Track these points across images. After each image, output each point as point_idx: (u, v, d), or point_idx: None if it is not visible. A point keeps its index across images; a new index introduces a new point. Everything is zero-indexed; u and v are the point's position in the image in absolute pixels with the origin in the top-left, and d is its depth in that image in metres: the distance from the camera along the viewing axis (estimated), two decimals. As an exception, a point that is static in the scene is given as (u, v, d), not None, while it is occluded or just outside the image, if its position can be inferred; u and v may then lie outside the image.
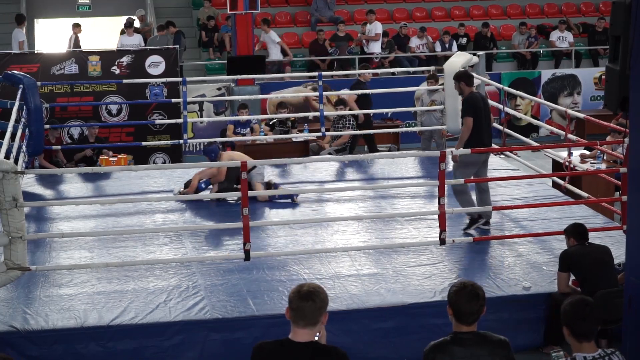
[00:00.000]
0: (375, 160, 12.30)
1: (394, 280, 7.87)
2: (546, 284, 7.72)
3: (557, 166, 11.35)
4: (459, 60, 12.82)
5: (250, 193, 8.62)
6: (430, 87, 13.41)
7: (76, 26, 18.06)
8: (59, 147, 13.01)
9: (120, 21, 18.98)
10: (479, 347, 4.33)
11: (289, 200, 10.39)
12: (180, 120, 13.44)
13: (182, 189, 10.69)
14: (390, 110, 15.00)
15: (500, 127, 12.30)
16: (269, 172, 11.69)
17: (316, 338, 4.15)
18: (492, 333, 4.44)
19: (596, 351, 4.42)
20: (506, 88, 13.40)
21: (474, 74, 12.96)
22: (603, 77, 16.03)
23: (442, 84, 13.01)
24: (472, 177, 9.22)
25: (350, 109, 13.50)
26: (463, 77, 9.33)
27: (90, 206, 10.06)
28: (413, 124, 14.52)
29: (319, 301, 4.10)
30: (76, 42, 17.80)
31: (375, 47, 18.48)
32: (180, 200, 10.37)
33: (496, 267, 8.20)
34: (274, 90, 16.59)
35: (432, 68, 14.38)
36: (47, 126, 12.51)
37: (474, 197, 9.38)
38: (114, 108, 14.60)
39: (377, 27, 18.59)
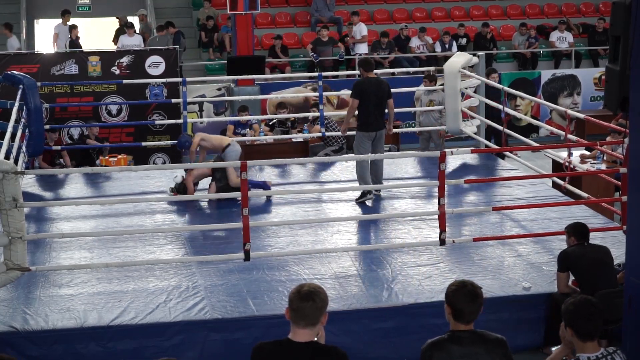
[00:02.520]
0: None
1: (394, 280, 7.87)
2: (546, 284, 7.71)
3: (557, 166, 11.35)
4: (459, 60, 12.83)
5: (251, 193, 8.63)
6: (428, 88, 13.41)
7: (73, 28, 18.06)
8: (59, 147, 13.00)
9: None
10: (476, 346, 4.33)
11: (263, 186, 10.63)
12: (180, 121, 13.44)
13: (174, 188, 10.70)
14: (390, 111, 14.97)
15: (500, 128, 12.29)
16: (269, 172, 11.71)
17: (315, 339, 4.15)
18: (489, 332, 4.45)
19: (599, 350, 4.42)
20: (506, 88, 13.37)
21: (474, 74, 13.03)
22: (603, 77, 16.03)
23: (442, 84, 13.01)
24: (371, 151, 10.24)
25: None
26: (363, 64, 10.41)
27: (90, 206, 10.06)
28: (413, 124, 14.52)
29: (319, 301, 4.10)
30: (75, 43, 17.78)
31: (362, 49, 18.43)
32: (179, 201, 10.36)
33: (496, 267, 8.20)
34: (274, 90, 16.60)
35: (431, 68, 14.38)
36: (45, 127, 12.50)
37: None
38: (114, 108, 14.61)
39: (362, 29, 18.52)
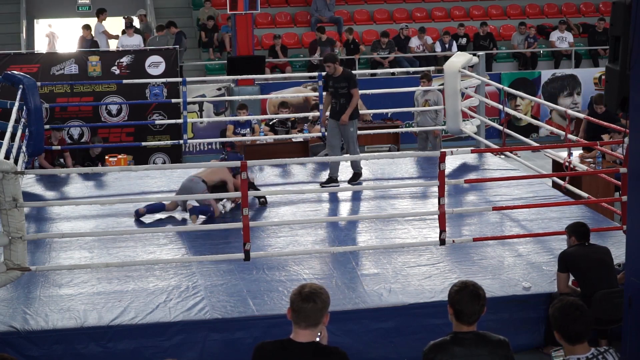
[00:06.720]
0: (375, 160, 12.29)
1: (394, 280, 7.86)
2: (546, 284, 7.71)
3: (557, 166, 11.35)
4: (459, 60, 12.83)
5: (250, 193, 8.63)
6: (425, 88, 13.42)
7: (86, 28, 18.04)
8: (60, 147, 12.99)
9: (120, 21, 18.99)
10: (478, 347, 4.33)
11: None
12: (180, 121, 13.45)
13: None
14: (390, 111, 15.00)
15: (500, 127, 12.29)
16: (269, 172, 11.71)
17: (317, 339, 4.15)
18: (491, 333, 4.44)
19: (589, 351, 4.38)
20: (506, 88, 13.40)
21: (474, 74, 13.04)
22: (603, 77, 16.03)
23: (442, 84, 13.01)
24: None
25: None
26: (337, 59, 11.12)
27: (90, 206, 10.05)
28: (412, 124, 14.53)
29: (320, 302, 4.09)
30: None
31: None
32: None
33: (496, 267, 8.20)
34: (274, 90, 16.61)
35: (431, 68, 14.38)
36: (47, 126, 12.49)
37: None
38: (114, 108, 14.61)
39: None
